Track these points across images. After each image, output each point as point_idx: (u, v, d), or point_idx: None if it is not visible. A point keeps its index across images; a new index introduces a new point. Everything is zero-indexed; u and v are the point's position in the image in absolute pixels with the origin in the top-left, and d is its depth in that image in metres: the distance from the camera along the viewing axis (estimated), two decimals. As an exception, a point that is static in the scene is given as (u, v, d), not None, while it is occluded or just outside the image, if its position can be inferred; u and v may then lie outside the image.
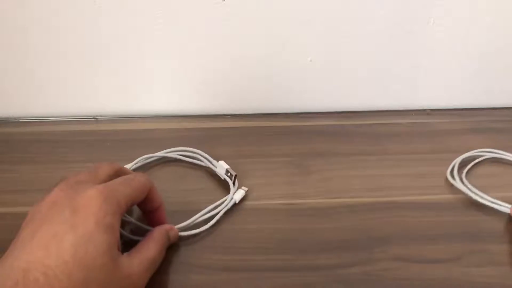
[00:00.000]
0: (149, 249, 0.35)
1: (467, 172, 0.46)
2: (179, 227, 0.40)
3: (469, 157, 0.48)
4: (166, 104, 0.57)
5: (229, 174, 0.45)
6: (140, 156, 0.48)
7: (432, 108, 0.58)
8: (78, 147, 0.51)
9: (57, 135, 0.54)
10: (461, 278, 0.37)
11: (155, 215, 0.39)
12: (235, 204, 0.43)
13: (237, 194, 0.44)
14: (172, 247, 0.39)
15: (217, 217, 0.41)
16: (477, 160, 0.48)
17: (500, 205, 0.41)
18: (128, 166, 0.47)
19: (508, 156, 0.48)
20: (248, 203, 0.44)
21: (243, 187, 0.45)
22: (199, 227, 0.40)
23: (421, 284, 0.36)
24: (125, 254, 0.33)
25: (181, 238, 0.40)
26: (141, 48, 0.53)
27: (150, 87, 0.56)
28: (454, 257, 0.38)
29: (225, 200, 0.43)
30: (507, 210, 0.41)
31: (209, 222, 0.41)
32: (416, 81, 0.57)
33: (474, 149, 0.50)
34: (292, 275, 0.37)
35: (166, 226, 0.38)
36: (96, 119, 0.57)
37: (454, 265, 0.38)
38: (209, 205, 0.42)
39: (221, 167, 0.46)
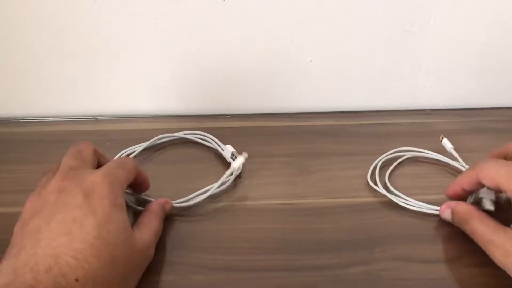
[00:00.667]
0: (152, 222, 0.38)
1: (390, 173, 0.47)
2: (181, 201, 0.43)
3: (389, 159, 0.49)
4: (166, 104, 0.57)
5: (234, 157, 0.47)
6: (140, 156, 0.49)
7: (432, 108, 0.58)
8: (78, 147, 0.51)
9: (57, 135, 0.54)
10: (461, 278, 0.37)
11: (141, 187, 0.42)
12: (237, 178, 0.46)
13: (237, 162, 0.45)
14: (173, 246, 0.39)
15: (215, 186, 0.43)
16: (398, 161, 0.49)
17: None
18: (143, 146, 0.50)
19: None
20: (248, 203, 0.44)
21: (243, 153, 0.45)
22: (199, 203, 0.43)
23: (421, 284, 0.36)
24: (135, 229, 0.35)
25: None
26: (141, 48, 0.53)
27: (150, 87, 0.56)
28: (454, 257, 0.38)
29: (223, 176, 0.44)
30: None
31: (207, 192, 0.43)
32: (416, 81, 0.57)
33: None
34: (292, 275, 0.37)
35: (162, 200, 0.41)
36: (96, 119, 0.57)
37: (454, 265, 0.38)
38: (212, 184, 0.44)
39: (227, 150, 0.48)
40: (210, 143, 0.51)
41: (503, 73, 0.57)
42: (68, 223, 0.30)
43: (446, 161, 0.48)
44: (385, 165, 0.48)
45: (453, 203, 0.40)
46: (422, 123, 0.52)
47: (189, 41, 0.53)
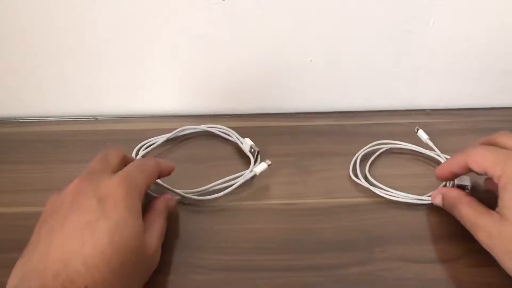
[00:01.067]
0: (157, 221, 0.37)
1: (370, 165, 0.48)
2: (197, 191, 0.44)
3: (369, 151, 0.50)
4: (166, 104, 0.57)
5: (252, 150, 0.48)
6: (140, 156, 0.49)
7: (432, 108, 0.58)
8: (78, 147, 0.51)
9: (57, 135, 0.54)
10: (461, 278, 0.37)
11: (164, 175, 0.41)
12: (254, 178, 0.46)
13: (259, 167, 0.46)
14: (173, 246, 0.39)
15: (235, 186, 0.44)
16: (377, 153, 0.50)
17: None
18: (165, 137, 0.51)
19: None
20: (248, 203, 0.44)
21: (267, 160, 0.46)
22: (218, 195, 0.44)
23: (421, 284, 0.36)
24: (145, 233, 0.34)
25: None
26: (141, 48, 0.53)
27: (150, 87, 0.56)
28: (454, 257, 0.38)
29: (245, 172, 0.46)
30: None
31: (226, 190, 0.44)
32: (416, 81, 0.57)
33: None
34: (292, 275, 0.37)
35: (166, 197, 0.41)
36: (96, 119, 0.57)
37: (454, 265, 0.38)
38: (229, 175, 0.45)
39: (246, 144, 0.49)
40: (230, 136, 0.52)
41: (503, 73, 0.57)
42: (81, 226, 0.30)
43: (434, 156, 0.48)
44: (364, 159, 0.49)
45: (444, 189, 0.42)
46: (422, 123, 0.52)
47: (189, 41, 0.53)
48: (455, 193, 0.40)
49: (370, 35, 0.53)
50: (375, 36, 0.53)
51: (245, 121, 0.55)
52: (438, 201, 0.42)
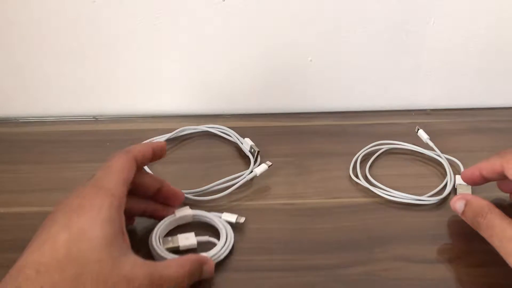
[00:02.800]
0: (167, 267, 0.32)
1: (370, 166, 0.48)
2: (197, 191, 0.43)
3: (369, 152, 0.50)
4: (166, 104, 0.57)
5: (252, 150, 0.48)
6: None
7: (432, 108, 0.58)
8: (78, 147, 0.51)
9: (57, 135, 0.54)
10: (461, 278, 0.37)
11: (156, 156, 0.38)
12: (254, 178, 0.46)
13: (259, 168, 0.46)
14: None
15: (235, 187, 0.44)
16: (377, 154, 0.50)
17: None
18: (165, 137, 0.52)
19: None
20: (248, 203, 0.44)
21: (267, 162, 0.46)
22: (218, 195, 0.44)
23: (421, 284, 0.36)
24: (137, 257, 0.31)
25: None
26: (141, 48, 0.53)
27: (150, 87, 0.56)
28: (454, 257, 0.38)
29: (245, 173, 0.46)
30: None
31: (226, 190, 0.44)
32: (416, 81, 0.57)
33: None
34: (292, 275, 0.37)
35: (200, 257, 0.35)
36: (96, 119, 0.57)
37: (454, 265, 0.38)
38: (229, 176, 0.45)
39: (246, 144, 0.49)
40: (230, 136, 0.52)
41: (503, 73, 0.57)
42: (45, 239, 0.30)
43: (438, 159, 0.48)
44: (364, 159, 0.49)
45: (469, 196, 0.38)
46: (422, 123, 0.52)
47: (189, 41, 0.53)
48: (484, 201, 0.37)
49: (370, 35, 0.53)
50: (375, 36, 0.53)
51: (245, 121, 0.55)
52: (459, 206, 0.38)
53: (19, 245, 0.31)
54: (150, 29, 0.52)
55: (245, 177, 0.45)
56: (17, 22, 0.51)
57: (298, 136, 0.53)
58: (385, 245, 0.39)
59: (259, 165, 0.47)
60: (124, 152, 0.36)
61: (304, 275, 0.37)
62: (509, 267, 0.33)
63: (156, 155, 0.38)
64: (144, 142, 0.50)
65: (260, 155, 0.48)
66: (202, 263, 0.35)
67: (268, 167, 0.46)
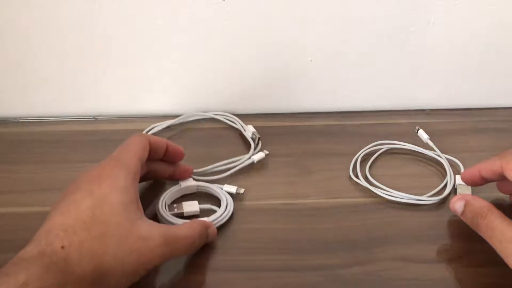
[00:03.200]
0: (179, 228, 0.36)
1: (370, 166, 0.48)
2: (197, 172, 0.46)
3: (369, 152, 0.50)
4: (166, 104, 0.57)
5: (254, 136, 0.50)
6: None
7: (432, 108, 0.58)
8: (78, 147, 0.51)
9: (57, 135, 0.54)
10: (461, 278, 0.37)
11: (170, 152, 0.42)
12: (252, 164, 0.48)
13: (257, 156, 0.48)
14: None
15: (233, 170, 0.47)
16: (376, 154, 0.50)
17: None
18: (172, 121, 0.54)
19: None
20: (248, 203, 0.44)
21: (264, 150, 0.49)
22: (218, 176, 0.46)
23: (421, 284, 0.36)
24: (152, 221, 0.35)
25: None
26: (141, 48, 0.53)
27: (150, 87, 0.56)
28: (454, 257, 0.38)
29: (244, 157, 0.48)
30: None
31: (226, 172, 0.46)
32: (416, 81, 0.57)
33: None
34: (292, 275, 0.37)
35: (206, 222, 0.39)
36: (96, 119, 0.57)
37: (454, 265, 0.38)
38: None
39: (249, 130, 0.52)
40: (234, 123, 0.54)
41: (503, 73, 0.57)
42: (69, 204, 0.33)
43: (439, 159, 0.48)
44: (364, 159, 0.49)
45: (469, 196, 0.38)
46: (422, 123, 0.52)
47: (189, 41, 0.53)
48: (484, 202, 0.37)
49: (370, 35, 0.53)
50: (375, 36, 0.53)
51: (245, 121, 0.55)
52: (458, 207, 0.38)
53: (19, 245, 0.31)
54: (150, 29, 0.52)
55: (243, 162, 0.47)
56: (17, 22, 0.51)
57: (298, 136, 0.53)
58: (385, 245, 0.39)
59: (258, 151, 0.49)
60: (139, 134, 0.42)
61: (304, 275, 0.37)
62: (509, 267, 0.33)
63: (170, 152, 0.42)
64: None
65: (261, 141, 0.51)
66: (207, 226, 0.38)
67: (266, 155, 0.49)
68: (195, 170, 0.46)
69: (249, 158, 0.48)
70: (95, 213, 0.33)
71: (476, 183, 0.41)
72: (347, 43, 0.54)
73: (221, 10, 0.51)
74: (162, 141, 0.42)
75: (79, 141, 0.52)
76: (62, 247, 0.30)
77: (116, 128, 0.55)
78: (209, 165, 0.47)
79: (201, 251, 0.39)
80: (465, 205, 0.37)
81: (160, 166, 0.43)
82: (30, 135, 0.54)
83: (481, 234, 0.36)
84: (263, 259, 0.38)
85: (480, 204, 0.37)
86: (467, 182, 0.41)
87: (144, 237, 0.33)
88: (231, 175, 0.46)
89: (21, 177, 0.47)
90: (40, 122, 0.56)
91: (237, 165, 0.47)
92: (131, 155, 0.38)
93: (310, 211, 0.43)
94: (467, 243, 0.39)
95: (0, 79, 0.55)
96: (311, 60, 0.55)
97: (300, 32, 0.53)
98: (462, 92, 0.58)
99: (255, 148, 0.50)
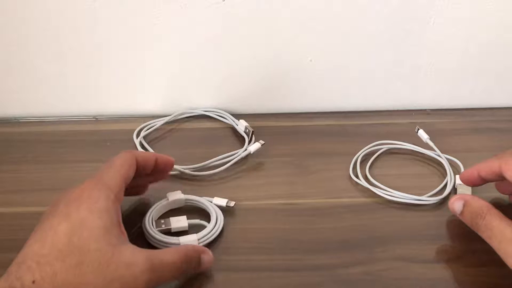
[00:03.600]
0: (166, 253, 0.34)
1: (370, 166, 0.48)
2: (194, 167, 0.46)
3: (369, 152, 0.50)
4: (166, 104, 0.57)
5: (247, 130, 0.51)
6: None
7: (432, 108, 0.58)
8: (78, 147, 0.51)
9: (57, 135, 0.54)
10: (461, 278, 0.37)
11: (159, 165, 0.40)
12: (248, 156, 0.49)
13: (253, 146, 0.49)
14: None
15: (230, 163, 0.47)
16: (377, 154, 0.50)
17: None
18: (165, 119, 0.54)
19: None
20: (248, 203, 0.44)
21: (260, 141, 0.49)
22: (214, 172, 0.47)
23: (421, 284, 0.36)
24: (135, 246, 0.32)
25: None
26: (140, 48, 0.53)
27: (150, 87, 0.56)
28: (454, 257, 0.38)
29: (240, 151, 0.49)
30: None
31: (223, 166, 0.47)
32: (416, 81, 0.57)
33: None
34: (292, 275, 0.37)
35: (199, 247, 0.37)
36: (96, 119, 0.57)
37: (454, 265, 0.38)
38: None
39: (241, 125, 0.52)
40: (226, 119, 0.55)
41: (503, 73, 0.57)
42: (46, 230, 0.31)
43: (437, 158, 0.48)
44: (364, 159, 0.49)
45: (468, 196, 0.38)
46: (422, 123, 0.52)
47: (189, 41, 0.53)
48: (483, 202, 0.36)
49: (370, 35, 0.53)
50: (375, 36, 0.53)
51: (245, 121, 0.55)
52: (457, 207, 0.38)
53: (19, 245, 0.31)
54: (150, 29, 0.52)
55: (239, 155, 0.48)
56: (17, 22, 0.51)
57: (298, 136, 0.53)
58: (385, 245, 0.39)
59: (254, 143, 0.49)
60: (126, 151, 0.38)
61: (304, 275, 0.37)
62: (509, 267, 0.33)
63: (160, 164, 0.40)
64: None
65: (254, 134, 0.51)
66: (200, 252, 0.36)
67: (261, 145, 0.49)
68: (190, 166, 0.46)
69: (245, 150, 0.49)
70: (72, 239, 0.30)
71: (475, 184, 0.41)
72: (347, 43, 0.54)
73: (221, 10, 0.51)
74: (150, 155, 0.40)
75: (79, 141, 0.52)
76: (33, 282, 0.28)
77: (116, 128, 0.55)
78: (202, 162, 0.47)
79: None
80: (464, 205, 0.37)
81: (146, 180, 0.42)
82: (30, 135, 0.54)
83: (480, 234, 0.36)
84: (263, 259, 0.38)
85: (479, 204, 0.37)
86: (466, 182, 0.41)
87: (127, 263, 0.31)
88: (231, 175, 0.46)
89: (21, 177, 0.47)
90: (40, 122, 0.56)
91: (234, 158, 0.48)
92: (113, 174, 0.35)
93: (310, 211, 0.43)
94: (467, 243, 0.39)
95: (0, 78, 0.55)
96: (311, 60, 0.55)
97: (300, 32, 0.53)
98: (462, 92, 0.58)
99: (249, 141, 0.50)
